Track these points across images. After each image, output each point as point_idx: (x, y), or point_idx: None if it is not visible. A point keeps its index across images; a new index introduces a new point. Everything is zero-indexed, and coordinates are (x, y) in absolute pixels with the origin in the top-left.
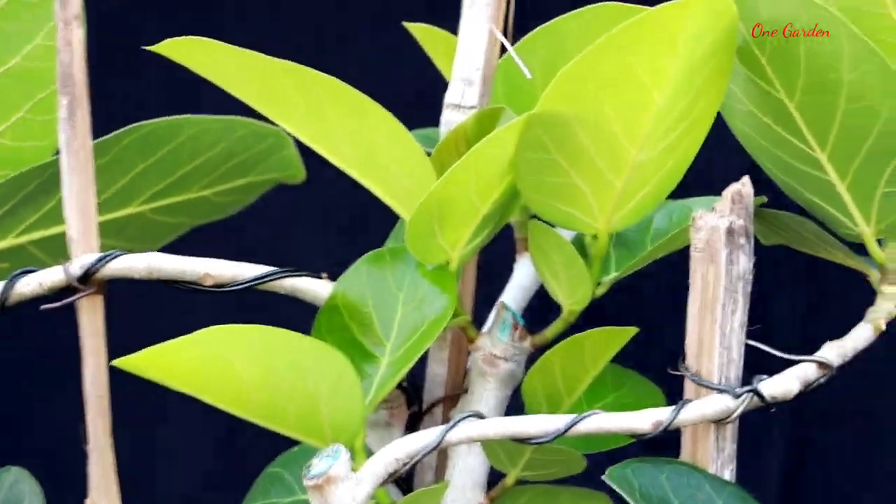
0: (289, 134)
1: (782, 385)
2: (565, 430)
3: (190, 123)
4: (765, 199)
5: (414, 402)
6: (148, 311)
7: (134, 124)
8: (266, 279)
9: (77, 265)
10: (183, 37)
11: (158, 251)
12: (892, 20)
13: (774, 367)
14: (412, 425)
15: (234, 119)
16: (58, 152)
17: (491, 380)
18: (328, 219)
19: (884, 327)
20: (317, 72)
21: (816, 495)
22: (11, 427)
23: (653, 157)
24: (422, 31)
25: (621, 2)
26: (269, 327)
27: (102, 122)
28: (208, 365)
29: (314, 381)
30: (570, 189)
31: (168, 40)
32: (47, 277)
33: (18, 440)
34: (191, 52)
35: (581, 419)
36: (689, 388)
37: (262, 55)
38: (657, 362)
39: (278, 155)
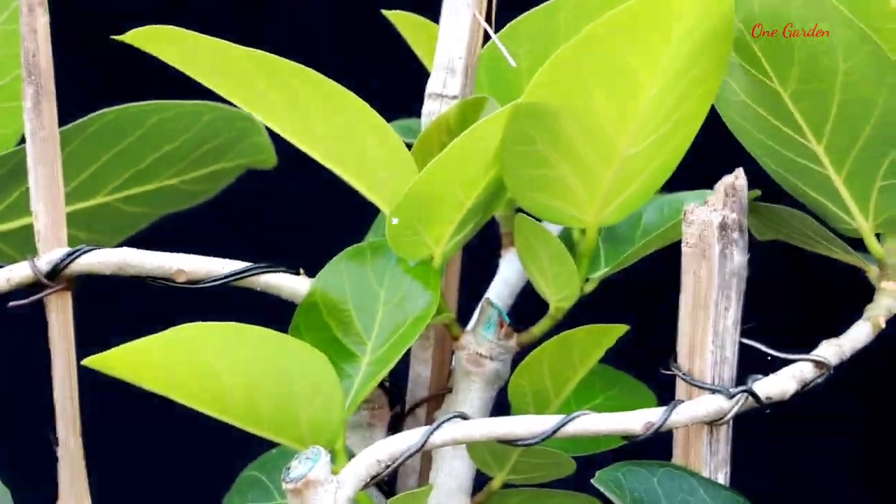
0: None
1: (778, 385)
2: (553, 432)
3: (157, 109)
4: (759, 192)
5: (396, 402)
6: (121, 307)
7: (99, 111)
8: (241, 275)
9: (45, 260)
10: (149, 26)
11: (127, 242)
12: (890, 7)
13: (770, 366)
14: (395, 427)
15: (202, 104)
16: (22, 141)
17: (476, 379)
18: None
19: (883, 325)
20: (287, 61)
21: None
22: None
23: (643, 150)
24: (402, 19)
25: None
26: (246, 325)
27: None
28: (182, 364)
29: (292, 381)
30: (557, 182)
31: (135, 30)
32: (14, 273)
33: None
34: (158, 40)
35: (570, 420)
36: (680, 388)
37: (231, 44)
38: (647, 361)
39: (248, 140)
